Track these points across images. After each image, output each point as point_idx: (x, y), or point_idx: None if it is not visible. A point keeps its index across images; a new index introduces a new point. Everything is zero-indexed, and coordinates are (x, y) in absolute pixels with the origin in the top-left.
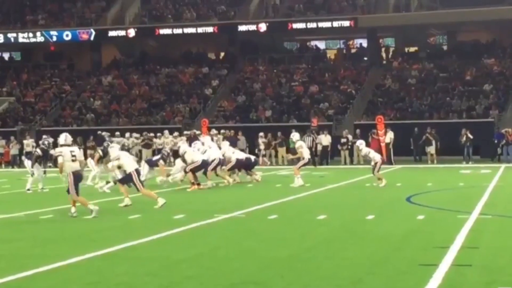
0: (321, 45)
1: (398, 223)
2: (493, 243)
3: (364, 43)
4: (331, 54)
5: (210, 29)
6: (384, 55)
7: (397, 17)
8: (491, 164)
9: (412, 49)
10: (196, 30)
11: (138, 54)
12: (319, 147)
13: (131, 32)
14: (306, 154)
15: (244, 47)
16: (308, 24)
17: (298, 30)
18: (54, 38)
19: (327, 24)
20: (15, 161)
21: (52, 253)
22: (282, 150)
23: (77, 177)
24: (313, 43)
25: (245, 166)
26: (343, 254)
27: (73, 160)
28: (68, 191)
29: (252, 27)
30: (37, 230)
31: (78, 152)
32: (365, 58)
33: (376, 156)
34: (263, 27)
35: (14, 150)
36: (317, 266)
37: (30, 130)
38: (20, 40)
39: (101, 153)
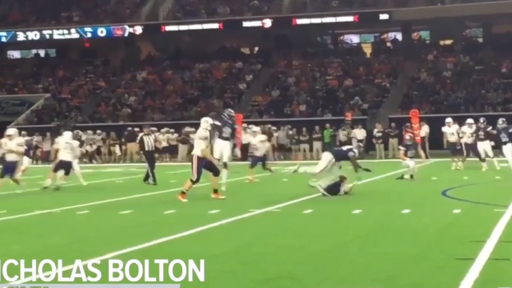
0: (355, 39)
1: (434, 217)
2: None
3: (399, 36)
4: (365, 48)
5: (215, 26)
6: (419, 48)
7: (432, 10)
8: None
9: (447, 42)
10: (202, 26)
11: (173, 50)
12: (354, 141)
13: (138, 30)
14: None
15: (278, 42)
16: (312, 19)
17: (331, 24)
18: (89, 35)
19: (331, 20)
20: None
21: (89, 249)
22: (317, 145)
23: None
24: (347, 37)
25: None
26: (379, 248)
27: None
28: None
29: (257, 23)
30: (73, 226)
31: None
32: (400, 52)
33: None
34: (267, 22)
35: (47, 146)
36: (352, 260)
37: (66, 126)
38: (55, 37)
39: None
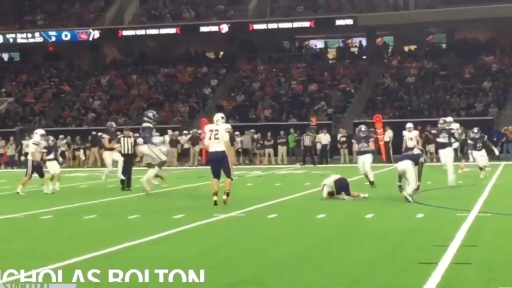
0: (320, 44)
1: (398, 222)
2: (492, 241)
3: (364, 41)
4: (330, 53)
5: (173, 30)
6: (383, 53)
7: (395, 16)
8: (491, 162)
9: (411, 48)
10: (159, 31)
11: (137, 54)
12: (319, 146)
13: (96, 34)
14: None
15: (243, 47)
16: (269, 25)
17: (296, 29)
18: (53, 39)
19: (288, 25)
20: (13, 162)
21: (53, 254)
22: (282, 149)
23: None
24: (312, 42)
25: None
26: (343, 253)
27: None
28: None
29: (214, 28)
30: (37, 231)
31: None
32: (364, 57)
33: None
34: (225, 28)
35: (10, 150)
36: (317, 265)
37: (29, 130)
38: (19, 40)
39: None
